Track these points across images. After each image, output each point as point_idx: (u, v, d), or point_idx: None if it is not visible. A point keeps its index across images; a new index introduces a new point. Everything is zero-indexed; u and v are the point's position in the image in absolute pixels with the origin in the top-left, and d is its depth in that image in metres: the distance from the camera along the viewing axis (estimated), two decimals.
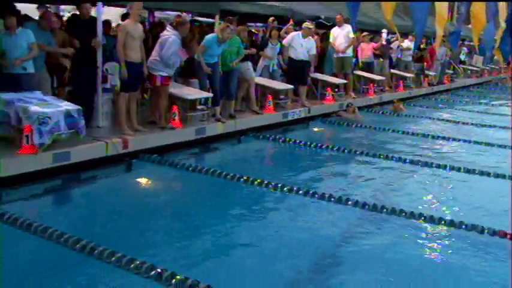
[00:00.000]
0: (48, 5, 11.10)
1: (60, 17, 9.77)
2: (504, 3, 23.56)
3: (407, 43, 17.45)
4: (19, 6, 10.84)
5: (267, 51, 11.40)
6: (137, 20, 7.94)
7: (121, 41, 7.73)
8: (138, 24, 7.97)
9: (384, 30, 16.02)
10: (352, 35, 13.40)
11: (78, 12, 8.29)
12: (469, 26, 23.18)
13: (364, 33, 15.41)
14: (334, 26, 13.77)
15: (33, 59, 7.33)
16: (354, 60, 14.01)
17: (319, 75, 13.27)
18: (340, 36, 13.46)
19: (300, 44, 11.72)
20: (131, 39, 7.77)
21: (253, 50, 10.97)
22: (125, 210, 6.21)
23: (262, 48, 11.32)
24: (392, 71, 17.03)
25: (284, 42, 11.89)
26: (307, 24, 11.90)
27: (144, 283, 4.26)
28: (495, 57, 26.46)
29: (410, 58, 17.94)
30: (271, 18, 12.01)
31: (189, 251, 5.08)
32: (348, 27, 13.30)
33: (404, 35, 17.48)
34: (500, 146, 10.40)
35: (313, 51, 12.11)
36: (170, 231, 5.61)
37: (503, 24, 23.84)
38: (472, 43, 23.83)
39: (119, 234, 5.38)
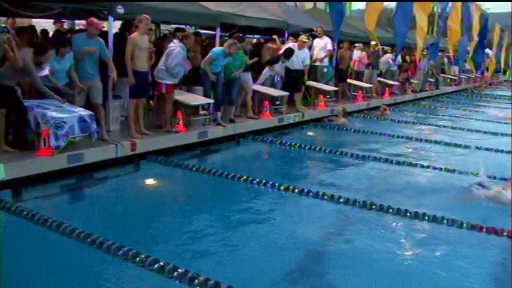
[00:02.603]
0: (63, 20, 11.07)
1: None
2: (477, 18, 23.71)
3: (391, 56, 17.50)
4: (35, 21, 10.82)
5: (276, 67, 11.40)
6: (144, 33, 7.85)
7: (129, 52, 7.65)
8: (145, 37, 7.88)
9: (373, 42, 15.96)
10: (329, 47, 13.31)
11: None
12: (446, 38, 23.28)
13: (356, 45, 15.34)
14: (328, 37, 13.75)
15: (89, 69, 7.42)
16: (325, 69, 13.73)
17: (312, 83, 13.20)
18: (318, 46, 13.37)
19: (296, 55, 11.73)
20: (138, 50, 7.70)
21: (256, 59, 10.98)
22: (132, 207, 6.16)
23: (272, 63, 11.31)
24: (378, 79, 16.97)
25: (281, 52, 11.84)
26: (303, 38, 11.88)
27: (148, 276, 4.18)
28: (467, 67, 26.59)
29: (396, 68, 17.92)
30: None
31: (191, 245, 5.01)
32: (325, 39, 13.26)
33: (391, 46, 17.47)
34: (477, 148, 10.32)
35: (307, 62, 12.16)
36: (174, 227, 5.54)
37: (476, 38, 23.99)
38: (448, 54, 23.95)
39: (126, 229, 5.31)
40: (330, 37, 13.50)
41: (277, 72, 11.48)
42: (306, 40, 11.98)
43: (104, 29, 8.46)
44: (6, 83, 6.50)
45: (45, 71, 6.87)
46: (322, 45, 13.26)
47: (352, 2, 27.45)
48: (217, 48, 9.46)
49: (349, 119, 12.89)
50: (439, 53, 21.87)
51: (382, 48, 17.33)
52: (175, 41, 8.58)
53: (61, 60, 7.06)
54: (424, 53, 19.37)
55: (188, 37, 8.64)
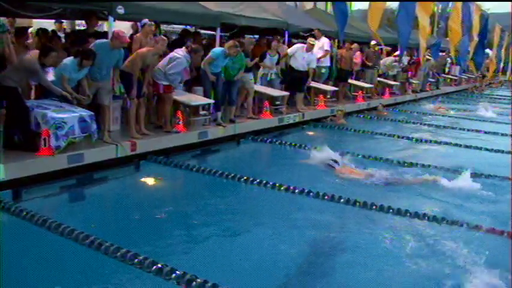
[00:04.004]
0: (63, 20, 11.03)
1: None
2: (477, 18, 23.73)
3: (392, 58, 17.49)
4: (35, 21, 10.77)
5: (265, 61, 11.32)
6: (155, 53, 7.93)
7: (138, 66, 7.70)
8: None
9: (373, 42, 15.92)
10: (326, 47, 13.25)
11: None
12: (447, 38, 23.27)
13: (352, 46, 15.29)
14: (327, 37, 13.70)
15: (104, 70, 7.37)
16: (323, 70, 13.57)
17: (312, 83, 13.15)
18: (316, 48, 13.31)
19: (302, 57, 11.77)
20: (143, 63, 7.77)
21: (256, 60, 10.96)
22: (132, 207, 6.12)
23: (261, 59, 11.26)
24: (379, 79, 16.91)
25: (288, 51, 11.88)
26: (311, 40, 11.85)
27: (146, 277, 4.15)
28: (469, 68, 26.58)
29: (400, 69, 17.90)
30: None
31: (189, 246, 4.99)
32: (323, 39, 13.23)
33: (392, 47, 17.43)
34: (476, 147, 10.30)
35: (313, 65, 12.14)
36: (173, 228, 5.50)
37: (476, 38, 24.00)
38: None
39: (125, 231, 5.27)
40: (329, 37, 13.45)
41: (269, 67, 11.38)
42: (313, 43, 11.95)
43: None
44: (10, 84, 6.47)
45: (49, 76, 6.83)
46: (320, 46, 13.24)
47: (353, 2, 27.42)
48: (217, 49, 9.42)
49: (346, 120, 12.84)
50: (441, 53, 21.84)
51: (383, 48, 17.29)
52: (183, 49, 8.58)
53: (79, 71, 7.01)
54: (428, 56, 19.33)
55: (196, 52, 8.71)
